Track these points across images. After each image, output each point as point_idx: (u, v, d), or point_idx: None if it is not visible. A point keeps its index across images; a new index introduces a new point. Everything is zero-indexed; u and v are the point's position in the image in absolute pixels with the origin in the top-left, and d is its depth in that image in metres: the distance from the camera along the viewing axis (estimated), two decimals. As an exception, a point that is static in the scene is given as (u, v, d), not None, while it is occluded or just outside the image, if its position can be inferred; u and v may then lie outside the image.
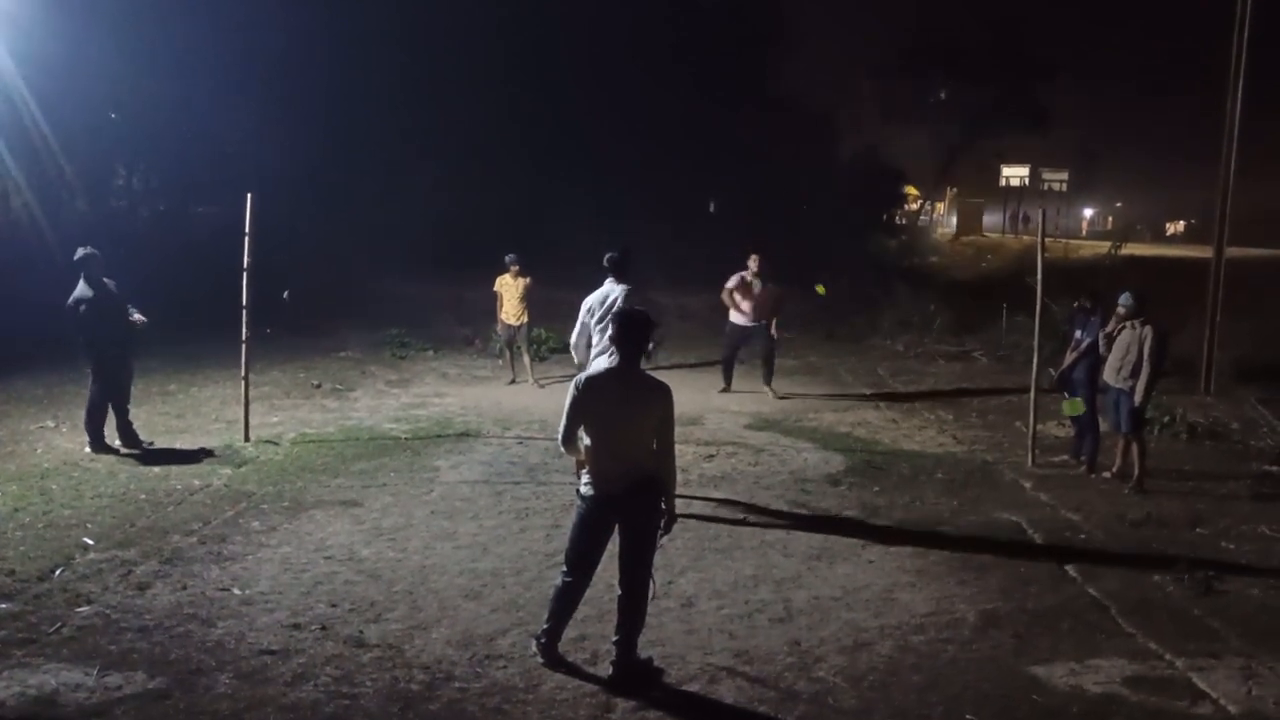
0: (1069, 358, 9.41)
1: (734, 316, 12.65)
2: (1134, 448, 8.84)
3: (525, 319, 12.97)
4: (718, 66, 31.97)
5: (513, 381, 13.21)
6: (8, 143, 17.77)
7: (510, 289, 12.94)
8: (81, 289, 8.79)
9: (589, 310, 7.78)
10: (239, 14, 20.98)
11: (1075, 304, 9.75)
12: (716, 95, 31.39)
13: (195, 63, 20.80)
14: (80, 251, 8.89)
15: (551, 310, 14.34)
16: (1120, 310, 8.76)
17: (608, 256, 7.88)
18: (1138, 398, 8.55)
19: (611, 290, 7.76)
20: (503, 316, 13.06)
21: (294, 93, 22.86)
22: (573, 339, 7.85)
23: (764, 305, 12.45)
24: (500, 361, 14.19)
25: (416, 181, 25.95)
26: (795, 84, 37.02)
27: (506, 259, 12.99)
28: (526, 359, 13.31)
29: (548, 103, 28.72)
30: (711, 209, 37.24)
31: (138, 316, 9.16)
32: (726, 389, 12.83)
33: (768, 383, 12.71)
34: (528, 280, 12.95)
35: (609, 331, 7.54)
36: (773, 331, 12.68)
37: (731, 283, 12.57)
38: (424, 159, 26.21)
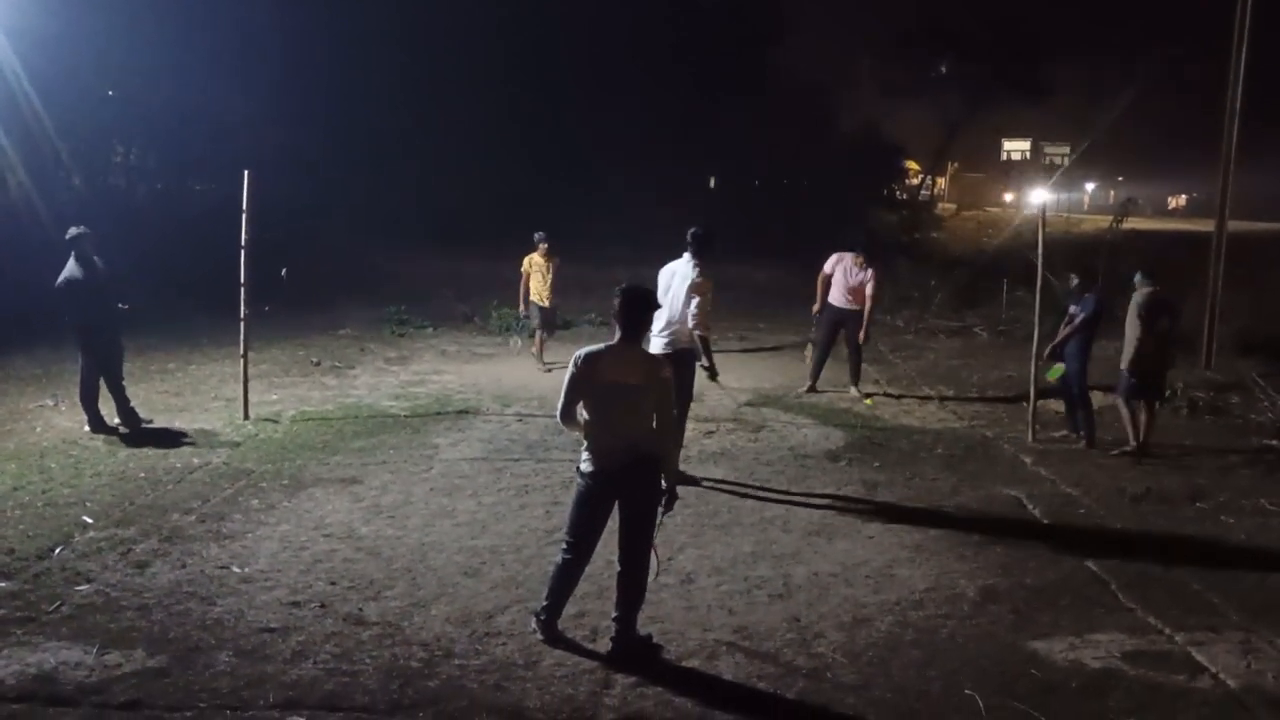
0: (1062, 332, 9.46)
1: (831, 298, 11.44)
2: (1122, 413, 9.07)
3: (555, 299, 12.58)
4: (718, 66, 31.90)
5: (549, 370, 12.40)
6: (3, 122, 17.66)
7: (540, 269, 12.43)
8: (72, 268, 8.75)
9: (659, 285, 7.84)
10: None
11: (1071, 279, 9.80)
12: (716, 94, 31.36)
13: (194, 41, 20.72)
14: (72, 230, 8.84)
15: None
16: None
17: (690, 231, 7.85)
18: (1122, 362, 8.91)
19: (679, 267, 7.80)
20: (534, 298, 12.51)
21: (293, 79, 22.83)
22: None
23: (861, 290, 11.33)
24: (517, 343, 13.75)
25: (415, 177, 25.98)
26: (795, 72, 36.87)
27: (535, 237, 12.48)
28: (542, 336, 12.73)
29: (548, 102, 28.70)
30: (712, 184, 37.19)
31: (122, 305, 9.14)
32: (813, 388, 11.51)
33: (854, 381, 11.61)
34: (556, 260, 12.53)
35: (666, 310, 7.68)
36: (864, 318, 11.36)
37: (829, 266, 11.47)
38: (424, 156, 26.22)
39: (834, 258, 11.52)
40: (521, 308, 12.88)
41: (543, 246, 12.45)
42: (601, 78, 29.54)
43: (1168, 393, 10.95)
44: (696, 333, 7.67)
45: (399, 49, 25.83)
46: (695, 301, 7.60)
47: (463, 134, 26.77)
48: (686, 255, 7.81)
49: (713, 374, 7.97)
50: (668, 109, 30.53)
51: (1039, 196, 44.53)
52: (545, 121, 29.10)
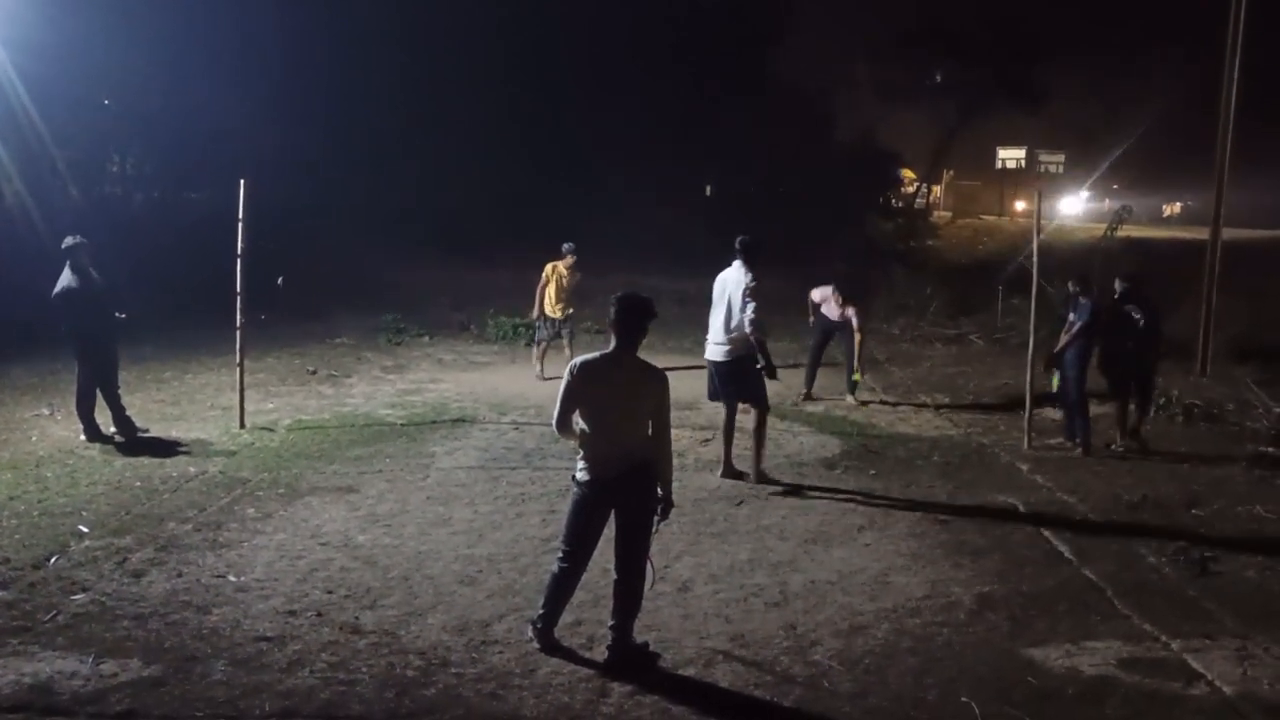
0: (1062, 340, 9.49)
1: (823, 309, 11.67)
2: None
3: (571, 310, 12.43)
4: (717, 66, 31.99)
5: (546, 379, 12.23)
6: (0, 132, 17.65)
7: (562, 279, 12.29)
8: (68, 278, 8.77)
9: (713, 295, 8.01)
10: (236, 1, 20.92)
11: (1069, 286, 9.87)
12: (716, 95, 31.41)
13: (192, 42, 20.72)
14: (67, 240, 8.87)
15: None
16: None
17: (738, 240, 7.97)
18: None
19: (731, 275, 7.92)
20: (547, 309, 12.37)
21: (293, 80, 22.82)
22: None
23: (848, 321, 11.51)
24: (536, 351, 12.94)
25: (415, 177, 25.98)
26: (793, 76, 36.91)
27: (564, 248, 12.33)
28: (568, 350, 12.25)
29: (548, 102, 28.75)
30: (708, 192, 37.22)
31: (119, 314, 9.17)
32: (808, 395, 11.58)
33: (850, 389, 11.60)
34: (579, 275, 12.43)
35: (718, 315, 7.81)
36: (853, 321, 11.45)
37: (816, 295, 11.72)
38: (424, 156, 26.24)
39: (817, 292, 11.71)
40: (535, 313, 12.67)
41: (570, 259, 12.35)
42: (601, 78, 29.58)
43: (1161, 400, 10.99)
44: (753, 336, 7.77)
45: (399, 49, 25.84)
46: (751, 306, 7.70)
47: (463, 134, 26.78)
48: (737, 263, 7.93)
49: (771, 373, 8.01)
50: (667, 109, 30.57)
51: (1070, 206, 44.72)
52: (545, 121, 29.13)
